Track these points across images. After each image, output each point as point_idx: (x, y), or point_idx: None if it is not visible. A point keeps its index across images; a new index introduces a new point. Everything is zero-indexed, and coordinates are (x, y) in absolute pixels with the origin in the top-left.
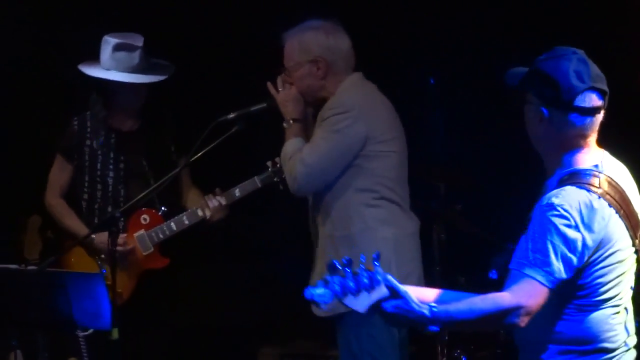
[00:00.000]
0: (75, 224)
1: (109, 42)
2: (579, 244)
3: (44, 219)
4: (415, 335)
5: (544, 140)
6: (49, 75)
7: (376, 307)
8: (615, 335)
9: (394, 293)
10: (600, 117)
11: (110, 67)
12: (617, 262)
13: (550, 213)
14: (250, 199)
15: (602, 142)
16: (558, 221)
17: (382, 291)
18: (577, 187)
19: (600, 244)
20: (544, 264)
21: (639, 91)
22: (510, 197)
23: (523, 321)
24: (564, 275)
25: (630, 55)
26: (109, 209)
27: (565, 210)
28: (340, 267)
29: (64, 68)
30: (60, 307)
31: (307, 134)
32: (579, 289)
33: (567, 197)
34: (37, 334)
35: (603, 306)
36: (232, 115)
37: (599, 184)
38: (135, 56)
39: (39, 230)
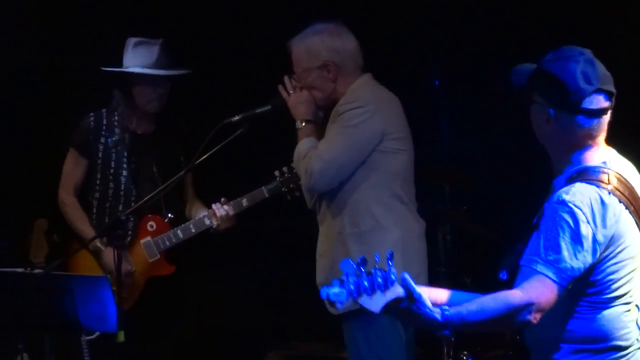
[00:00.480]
0: (86, 228)
1: (130, 42)
2: (591, 240)
3: (50, 222)
4: (422, 336)
5: (551, 139)
6: (58, 79)
7: (391, 307)
8: (628, 332)
9: (409, 294)
10: (607, 117)
11: (131, 65)
12: (628, 259)
13: (562, 209)
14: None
15: (609, 141)
16: (569, 218)
17: (397, 291)
18: (587, 183)
19: (612, 240)
20: (556, 261)
21: None
22: (516, 198)
23: (535, 318)
24: (576, 273)
25: (637, 53)
26: (120, 207)
27: (577, 207)
28: (355, 267)
29: (73, 71)
30: (66, 310)
31: (318, 137)
32: (590, 286)
33: (578, 194)
34: (44, 337)
35: (615, 303)
36: (236, 118)
37: (609, 180)
38: (155, 51)
39: (45, 233)
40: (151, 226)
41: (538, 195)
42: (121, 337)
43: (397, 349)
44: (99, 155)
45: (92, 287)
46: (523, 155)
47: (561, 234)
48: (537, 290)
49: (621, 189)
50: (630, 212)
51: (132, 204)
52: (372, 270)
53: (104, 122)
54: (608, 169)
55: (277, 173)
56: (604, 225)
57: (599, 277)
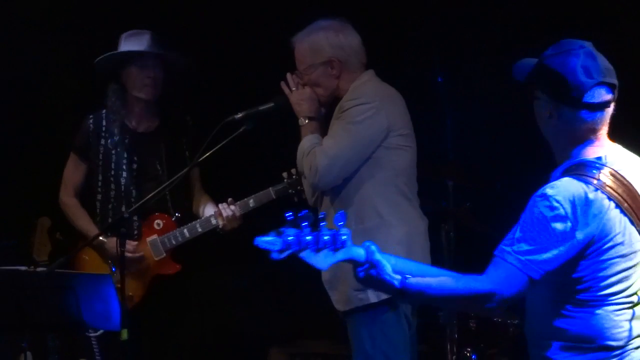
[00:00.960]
0: (87, 226)
1: (121, 37)
2: (568, 236)
3: (53, 221)
4: (425, 333)
5: (553, 134)
6: (59, 77)
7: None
8: (620, 332)
9: (370, 259)
10: (610, 110)
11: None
12: (617, 257)
13: (542, 203)
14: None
15: (616, 136)
16: (548, 212)
17: (351, 253)
18: (575, 178)
19: (596, 237)
20: (527, 253)
21: None
22: (520, 194)
23: (500, 308)
24: (548, 267)
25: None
26: (123, 209)
27: (557, 201)
28: (296, 221)
29: (74, 71)
30: (70, 309)
31: (321, 133)
32: (577, 283)
33: (561, 188)
34: (47, 336)
35: (606, 302)
36: (239, 115)
37: (599, 176)
38: (144, 39)
39: (48, 231)
40: (158, 224)
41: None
42: (124, 335)
43: (401, 345)
44: (100, 157)
45: (95, 285)
46: (527, 152)
47: (536, 227)
48: (503, 281)
49: (613, 185)
50: (622, 210)
51: (133, 205)
52: (320, 227)
53: (104, 123)
54: (602, 164)
55: (285, 175)
56: (586, 222)
57: (585, 274)
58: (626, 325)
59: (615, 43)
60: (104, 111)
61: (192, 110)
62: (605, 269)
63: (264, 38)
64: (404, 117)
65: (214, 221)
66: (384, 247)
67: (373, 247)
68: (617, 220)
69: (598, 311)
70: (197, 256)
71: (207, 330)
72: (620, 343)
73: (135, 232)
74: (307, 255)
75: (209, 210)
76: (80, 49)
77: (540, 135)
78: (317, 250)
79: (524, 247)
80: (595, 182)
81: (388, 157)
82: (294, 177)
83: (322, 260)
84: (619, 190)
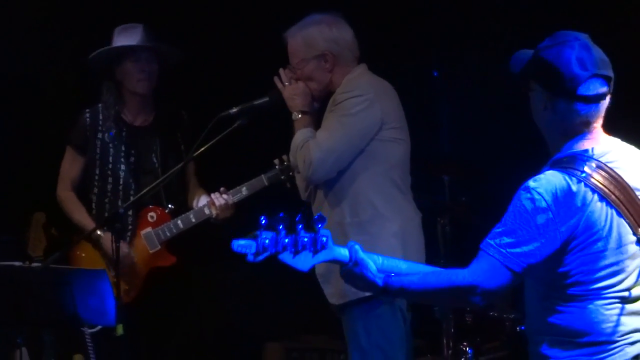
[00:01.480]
0: (84, 219)
1: (114, 32)
2: (550, 228)
3: (48, 216)
4: (421, 328)
5: (547, 127)
6: (55, 72)
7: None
8: (611, 327)
9: (353, 258)
10: (606, 103)
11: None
12: (604, 251)
13: (524, 196)
14: (256, 196)
15: (615, 129)
16: (529, 204)
17: (332, 254)
18: (558, 170)
19: (580, 231)
20: (509, 246)
21: None
22: (516, 188)
23: (484, 300)
24: (531, 259)
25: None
26: (119, 202)
27: (539, 194)
28: (272, 224)
29: (70, 66)
30: (65, 304)
31: (315, 127)
32: (565, 278)
33: (544, 181)
34: (43, 332)
35: (596, 297)
36: (234, 110)
37: (584, 168)
38: (138, 32)
39: (43, 227)
40: (152, 217)
41: None
42: (120, 330)
43: (397, 340)
44: (97, 151)
45: (90, 281)
46: (523, 146)
47: (518, 220)
48: (485, 274)
49: (599, 178)
50: (608, 203)
51: (132, 198)
52: (298, 230)
53: (100, 117)
54: (589, 156)
55: (276, 161)
56: (569, 215)
57: (572, 268)
58: (616, 319)
59: (613, 36)
60: (100, 105)
61: (187, 104)
62: (591, 262)
63: (258, 32)
64: (398, 110)
65: (207, 211)
66: (378, 240)
67: (357, 247)
68: (603, 213)
69: (589, 306)
70: (193, 251)
71: (203, 325)
72: (611, 338)
73: (130, 227)
74: (285, 257)
75: (202, 201)
76: (76, 43)
77: (535, 128)
78: (296, 252)
79: (506, 239)
80: (579, 174)
81: (382, 149)
82: (285, 163)
83: (302, 262)
84: (606, 183)
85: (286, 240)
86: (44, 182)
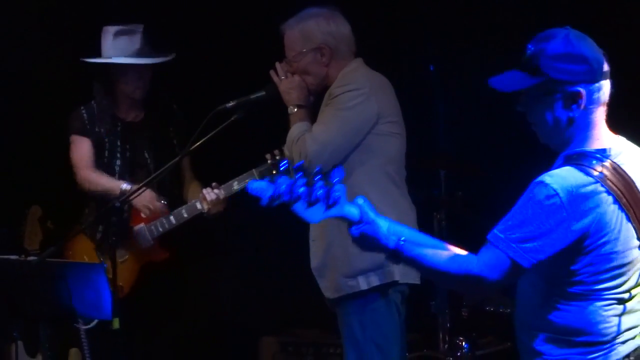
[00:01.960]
0: (112, 183)
1: (109, 31)
2: (563, 226)
3: (44, 210)
4: (417, 322)
5: (572, 124)
6: (50, 67)
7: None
8: (608, 327)
9: (363, 217)
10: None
11: (112, 55)
12: (612, 253)
13: (539, 191)
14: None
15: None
16: (544, 200)
17: (343, 211)
18: (576, 167)
19: (591, 231)
20: (519, 241)
21: None
22: (512, 183)
23: (487, 292)
24: (541, 256)
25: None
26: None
27: (554, 190)
28: (290, 170)
29: (65, 60)
30: (61, 298)
31: (311, 121)
32: (570, 276)
33: (560, 177)
34: (38, 325)
35: (597, 297)
36: (230, 104)
37: (601, 169)
38: (136, 40)
39: (39, 220)
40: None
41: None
42: (116, 324)
43: (392, 334)
44: (93, 145)
45: (86, 274)
46: (519, 141)
47: (531, 215)
48: (495, 268)
49: (614, 180)
50: (620, 206)
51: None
52: (315, 180)
53: (95, 112)
54: (606, 156)
55: (268, 156)
56: (583, 214)
57: (578, 267)
58: (615, 320)
59: (610, 35)
60: (93, 102)
61: (182, 98)
62: (598, 263)
63: (254, 25)
64: (394, 104)
65: (199, 206)
66: None
67: (367, 207)
68: (615, 215)
69: (589, 306)
70: (188, 246)
71: (198, 319)
72: (607, 338)
73: (125, 217)
74: (298, 207)
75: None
76: (71, 38)
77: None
78: (310, 203)
79: (517, 234)
80: (596, 174)
81: (378, 144)
82: (277, 157)
83: (313, 214)
84: (619, 185)
85: (301, 190)
86: (40, 176)
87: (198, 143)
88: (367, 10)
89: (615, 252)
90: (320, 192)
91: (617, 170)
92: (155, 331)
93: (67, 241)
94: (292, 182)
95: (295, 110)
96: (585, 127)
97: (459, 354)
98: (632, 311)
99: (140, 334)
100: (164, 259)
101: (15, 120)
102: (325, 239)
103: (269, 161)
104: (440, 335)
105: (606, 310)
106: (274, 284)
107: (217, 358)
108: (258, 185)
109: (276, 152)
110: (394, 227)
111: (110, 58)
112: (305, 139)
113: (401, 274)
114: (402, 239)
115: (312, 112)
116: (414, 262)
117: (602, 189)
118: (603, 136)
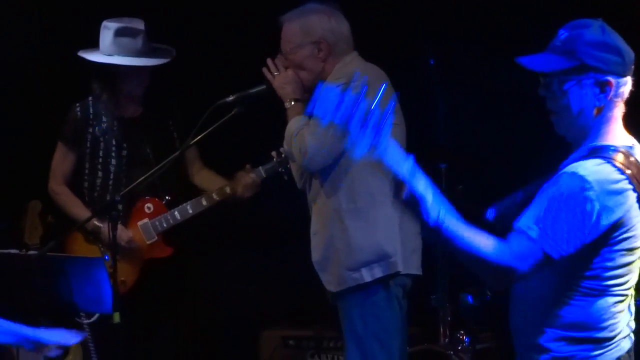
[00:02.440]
0: (79, 212)
1: (109, 27)
2: (594, 219)
3: (44, 204)
4: (418, 316)
5: (599, 114)
6: (48, 60)
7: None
8: (615, 323)
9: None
10: None
11: (112, 52)
12: (629, 249)
13: (572, 182)
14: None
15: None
16: (578, 192)
17: (391, 156)
18: (607, 162)
19: (617, 226)
20: (553, 233)
21: None
22: (513, 176)
23: (512, 283)
24: (571, 249)
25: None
26: (108, 197)
27: (589, 183)
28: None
29: (64, 53)
30: (61, 292)
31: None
32: (587, 269)
33: (594, 171)
34: (39, 320)
35: (608, 293)
36: (231, 98)
37: (630, 166)
38: (139, 40)
39: (40, 215)
40: (148, 208)
41: (534, 174)
42: (117, 318)
43: (393, 328)
44: (87, 145)
45: (87, 269)
46: (520, 134)
47: (564, 207)
48: (524, 258)
49: (638, 177)
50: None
51: (121, 193)
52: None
53: (91, 110)
54: (631, 154)
55: (273, 154)
56: (612, 209)
57: (597, 260)
58: (619, 316)
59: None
60: (90, 99)
61: (180, 92)
62: (614, 259)
63: (253, 19)
64: (389, 94)
65: (204, 202)
66: (376, 226)
67: (418, 172)
68: (636, 214)
69: (599, 301)
70: (190, 241)
71: (199, 313)
72: (613, 334)
73: (121, 211)
74: (353, 127)
75: (217, 183)
76: (71, 31)
77: (532, 116)
78: (362, 128)
79: (549, 225)
80: (628, 172)
81: None
82: (283, 155)
83: (362, 145)
84: None
85: (363, 109)
86: (40, 170)
87: (199, 137)
88: (367, 3)
89: (630, 249)
90: (377, 118)
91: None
92: (156, 325)
93: (66, 236)
94: (359, 98)
95: (292, 104)
96: (607, 120)
97: (459, 348)
98: (628, 307)
99: (142, 328)
100: (168, 254)
101: (14, 114)
102: (326, 232)
103: (274, 159)
104: (441, 329)
105: (615, 306)
106: (275, 278)
107: (218, 352)
108: (332, 89)
109: (282, 149)
110: (437, 199)
111: (111, 56)
112: (304, 135)
113: (404, 265)
114: (444, 214)
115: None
116: (450, 241)
117: (629, 186)
118: (621, 133)
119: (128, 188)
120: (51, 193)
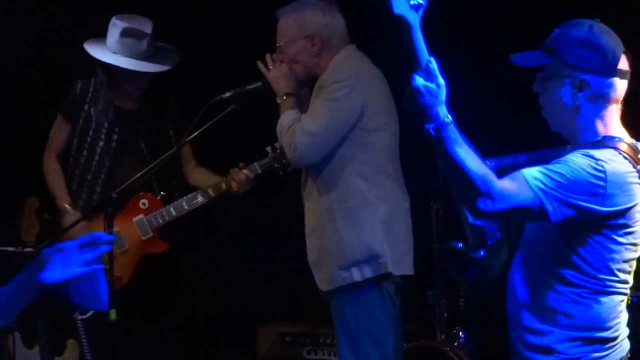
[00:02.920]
0: (58, 191)
1: (117, 25)
2: (598, 195)
3: (41, 201)
4: (414, 312)
5: (578, 112)
6: (47, 57)
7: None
8: (619, 323)
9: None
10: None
11: (117, 51)
12: (630, 245)
13: (587, 160)
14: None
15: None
16: (591, 169)
17: (416, 35)
18: (622, 155)
19: (622, 213)
20: (555, 187)
21: None
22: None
23: (484, 216)
24: (570, 211)
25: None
26: (89, 177)
27: (602, 166)
28: None
29: (64, 48)
30: (58, 289)
31: (300, 110)
32: (596, 264)
33: (609, 159)
34: (35, 317)
35: (613, 291)
36: (227, 95)
37: (638, 159)
38: (144, 43)
39: (36, 212)
40: (143, 204)
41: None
42: (113, 315)
43: (386, 324)
44: (80, 122)
45: None
46: (516, 131)
47: (574, 174)
48: (507, 199)
49: None
50: None
51: (102, 176)
52: None
53: (91, 89)
54: (638, 149)
55: (268, 149)
56: (618, 197)
57: (605, 252)
58: (622, 316)
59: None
60: (92, 79)
61: (177, 89)
62: (621, 252)
63: (249, 16)
64: (382, 94)
65: (200, 198)
66: (365, 225)
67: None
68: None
69: (606, 299)
70: (186, 237)
71: (196, 310)
72: (617, 334)
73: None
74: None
75: (212, 180)
76: (69, 27)
77: (529, 113)
78: None
79: (556, 181)
80: (637, 165)
81: (369, 138)
82: (278, 151)
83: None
84: None
85: None
86: (36, 167)
87: (195, 134)
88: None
89: (632, 245)
90: None
91: None
92: (153, 322)
93: (62, 233)
94: None
95: (285, 98)
96: (594, 120)
97: (455, 344)
98: (626, 307)
99: (138, 324)
100: (163, 250)
101: (11, 111)
102: (319, 232)
103: (270, 154)
104: (437, 326)
105: (620, 305)
106: (271, 275)
107: (215, 348)
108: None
109: (277, 145)
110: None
111: (115, 54)
112: (295, 130)
113: (395, 265)
114: (450, 120)
115: (304, 102)
116: (447, 148)
117: (638, 180)
118: (617, 133)
119: (124, 185)
120: (43, 164)
